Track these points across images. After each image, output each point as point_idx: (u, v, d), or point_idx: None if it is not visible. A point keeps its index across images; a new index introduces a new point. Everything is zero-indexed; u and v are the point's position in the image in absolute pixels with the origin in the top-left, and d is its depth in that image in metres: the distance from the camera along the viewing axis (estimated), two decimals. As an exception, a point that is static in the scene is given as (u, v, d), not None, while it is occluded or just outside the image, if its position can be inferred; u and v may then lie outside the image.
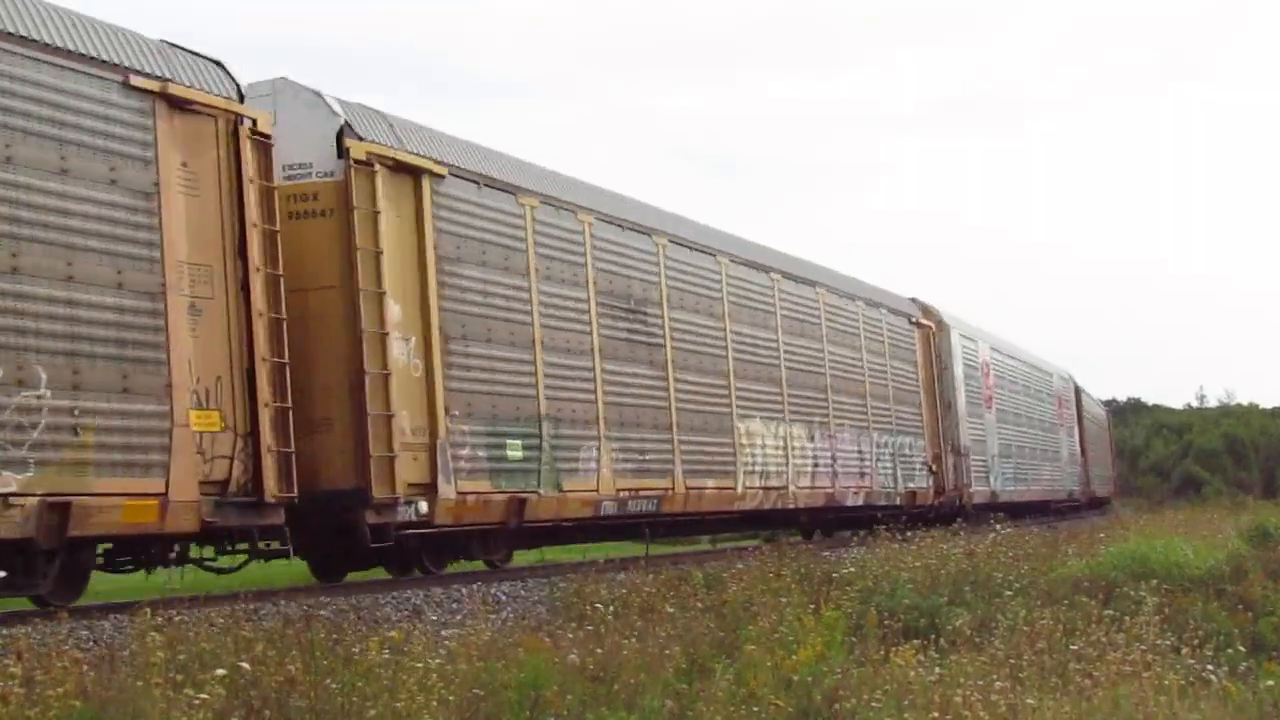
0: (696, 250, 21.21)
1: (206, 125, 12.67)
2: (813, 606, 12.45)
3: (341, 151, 14.34)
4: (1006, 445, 36.06)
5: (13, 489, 10.48)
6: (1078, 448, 48.32)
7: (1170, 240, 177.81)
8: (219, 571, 13.84)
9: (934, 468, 29.77)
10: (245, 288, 12.78)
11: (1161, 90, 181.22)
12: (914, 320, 30.34)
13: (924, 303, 31.78)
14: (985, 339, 35.83)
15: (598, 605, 12.29)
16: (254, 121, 13.15)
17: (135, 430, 11.61)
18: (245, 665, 8.12)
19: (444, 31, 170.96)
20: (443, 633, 10.97)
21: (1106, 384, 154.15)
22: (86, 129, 11.50)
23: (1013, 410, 37.65)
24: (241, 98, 13.28)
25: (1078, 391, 50.07)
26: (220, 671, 7.78)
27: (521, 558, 23.16)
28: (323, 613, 10.98)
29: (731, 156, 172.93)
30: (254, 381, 12.71)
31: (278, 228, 13.28)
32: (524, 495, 16.32)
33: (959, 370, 32.05)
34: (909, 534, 18.96)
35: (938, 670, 9.68)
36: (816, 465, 24.01)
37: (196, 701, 7.28)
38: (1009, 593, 13.41)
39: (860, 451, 26.03)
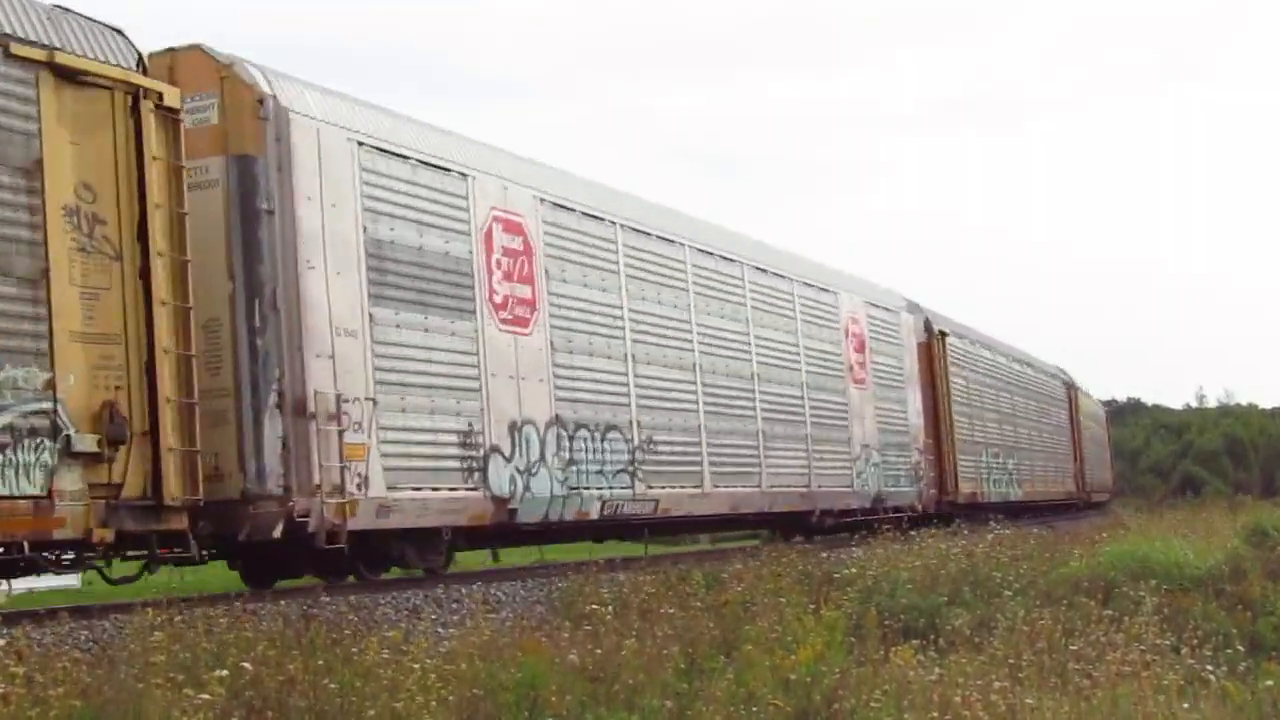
0: None
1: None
2: (813, 607, 12.47)
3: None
4: (572, 402, 16.66)
5: None
6: (916, 422, 28.31)
7: (1170, 240, 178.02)
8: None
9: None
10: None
11: (1161, 90, 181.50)
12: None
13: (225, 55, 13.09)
14: (523, 181, 16.51)
15: (597, 605, 12.30)
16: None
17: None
18: (247, 666, 8.14)
19: (444, 31, 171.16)
20: (442, 633, 10.98)
21: (1106, 384, 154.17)
22: None
23: (638, 340, 18.25)
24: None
25: (930, 330, 30.15)
26: (221, 672, 7.79)
27: (520, 557, 23.13)
28: (322, 613, 10.97)
29: (731, 156, 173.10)
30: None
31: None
32: None
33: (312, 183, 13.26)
34: None
35: (937, 670, 9.70)
36: None
37: (197, 701, 7.29)
38: (1008, 593, 13.43)
39: None
